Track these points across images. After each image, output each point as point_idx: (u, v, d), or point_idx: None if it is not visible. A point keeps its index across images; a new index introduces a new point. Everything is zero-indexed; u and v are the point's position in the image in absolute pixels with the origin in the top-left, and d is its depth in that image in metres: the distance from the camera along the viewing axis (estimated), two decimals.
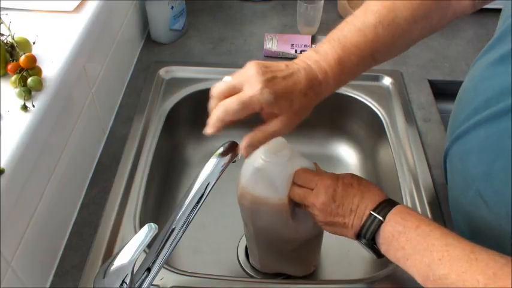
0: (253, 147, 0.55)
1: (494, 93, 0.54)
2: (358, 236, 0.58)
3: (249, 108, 0.51)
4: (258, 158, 0.63)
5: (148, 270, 0.53)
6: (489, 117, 0.54)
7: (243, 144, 0.55)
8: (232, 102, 0.51)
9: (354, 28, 0.58)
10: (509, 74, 0.52)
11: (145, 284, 0.53)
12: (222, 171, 0.56)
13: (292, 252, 0.71)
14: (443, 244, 0.49)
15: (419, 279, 0.51)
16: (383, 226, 0.55)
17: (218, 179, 0.56)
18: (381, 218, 0.55)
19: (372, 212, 0.56)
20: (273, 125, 0.54)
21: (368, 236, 0.56)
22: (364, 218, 0.57)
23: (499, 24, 0.59)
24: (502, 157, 0.52)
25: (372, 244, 0.57)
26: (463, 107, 0.62)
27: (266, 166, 0.63)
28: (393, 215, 0.55)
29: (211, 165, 0.57)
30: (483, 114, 0.55)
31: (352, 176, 0.61)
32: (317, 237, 0.72)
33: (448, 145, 0.64)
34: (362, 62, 0.58)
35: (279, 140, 0.62)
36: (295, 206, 0.64)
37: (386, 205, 0.56)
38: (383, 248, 0.55)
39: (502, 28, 0.57)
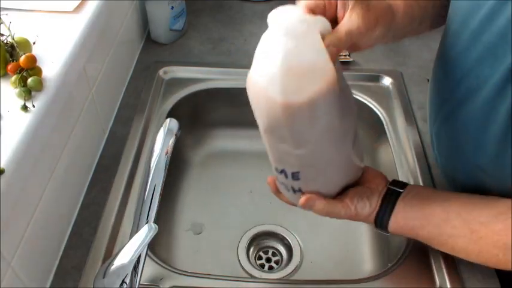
0: None
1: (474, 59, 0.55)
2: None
3: None
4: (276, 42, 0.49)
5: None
6: (471, 91, 0.56)
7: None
8: None
9: None
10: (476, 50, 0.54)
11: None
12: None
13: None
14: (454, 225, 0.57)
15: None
16: (391, 223, 0.61)
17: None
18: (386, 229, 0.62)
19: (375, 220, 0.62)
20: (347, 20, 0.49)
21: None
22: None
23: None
24: (493, 122, 0.54)
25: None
26: (440, 89, 0.64)
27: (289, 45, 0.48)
28: (395, 220, 0.61)
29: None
30: (462, 90, 0.57)
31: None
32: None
33: (437, 129, 0.67)
34: None
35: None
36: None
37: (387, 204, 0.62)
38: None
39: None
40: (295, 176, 0.57)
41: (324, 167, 0.58)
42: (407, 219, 0.61)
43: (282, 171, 0.58)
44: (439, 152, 0.70)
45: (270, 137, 0.55)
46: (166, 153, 0.61)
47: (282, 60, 0.48)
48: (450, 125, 0.63)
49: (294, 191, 0.61)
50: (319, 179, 0.59)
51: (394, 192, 0.62)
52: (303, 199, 0.60)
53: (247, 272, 0.81)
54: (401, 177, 0.80)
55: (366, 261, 0.83)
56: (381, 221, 0.61)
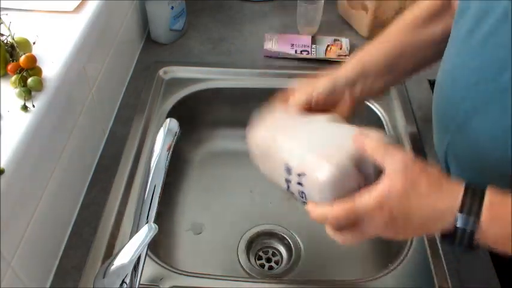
0: None
1: (485, 71, 0.54)
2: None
3: None
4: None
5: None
6: (491, 95, 0.54)
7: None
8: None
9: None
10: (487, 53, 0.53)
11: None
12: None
13: None
14: None
15: None
16: (479, 233, 0.47)
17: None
18: (472, 230, 0.47)
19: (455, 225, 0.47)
20: None
21: (465, 242, 0.48)
22: (448, 225, 0.48)
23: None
24: None
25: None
26: (448, 97, 0.62)
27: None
28: (489, 215, 0.47)
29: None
30: (477, 94, 0.55)
31: (404, 174, 0.49)
32: None
33: (450, 139, 0.63)
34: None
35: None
36: None
37: (472, 201, 0.47)
38: (491, 244, 0.48)
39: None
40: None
41: None
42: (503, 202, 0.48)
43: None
44: (456, 163, 0.64)
45: None
46: (168, 150, 0.61)
47: None
48: (469, 131, 0.58)
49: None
50: None
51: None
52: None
53: (247, 272, 0.81)
54: None
55: (366, 261, 0.83)
56: (470, 206, 0.47)
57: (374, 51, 0.69)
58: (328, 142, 0.54)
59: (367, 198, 0.49)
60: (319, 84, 0.66)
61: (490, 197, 0.47)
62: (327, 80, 0.66)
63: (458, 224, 0.47)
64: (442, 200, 0.48)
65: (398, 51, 0.69)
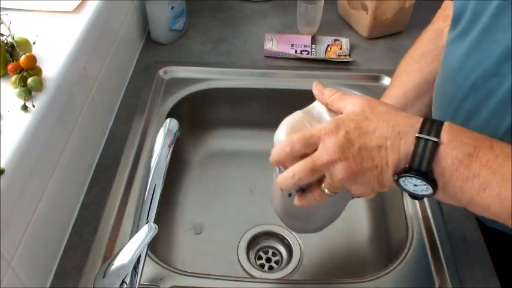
0: None
1: (480, 73, 0.55)
2: (400, 174, 0.46)
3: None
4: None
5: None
6: (487, 95, 0.55)
7: None
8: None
9: None
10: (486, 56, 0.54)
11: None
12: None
13: None
14: None
15: (501, 212, 0.44)
16: (441, 150, 0.44)
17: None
18: (435, 140, 0.44)
19: (419, 135, 0.45)
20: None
21: (424, 168, 0.44)
22: (407, 147, 0.45)
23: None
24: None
25: (428, 176, 0.45)
26: (450, 97, 0.62)
27: None
28: (450, 134, 0.45)
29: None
30: (478, 95, 0.56)
31: (363, 105, 0.48)
32: None
33: None
34: None
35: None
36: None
37: (432, 123, 0.45)
38: (442, 180, 0.45)
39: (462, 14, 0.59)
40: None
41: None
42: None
43: None
44: None
45: None
46: (168, 149, 0.61)
47: None
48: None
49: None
50: None
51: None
52: None
53: (247, 272, 0.81)
54: None
55: (366, 261, 0.83)
56: (430, 126, 0.45)
57: (399, 88, 0.74)
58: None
59: (324, 123, 0.48)
60: None
61: (449, 123, 0.46)
62: None
63: (419, 144, 0.44)
64: (401, 117, 0.47)
65: (417, 88, 0.73)
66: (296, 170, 0.49)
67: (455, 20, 0.61)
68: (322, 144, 0.47)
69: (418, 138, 0.45)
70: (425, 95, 0.72)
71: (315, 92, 0.53)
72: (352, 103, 0.49)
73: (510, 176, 0.42)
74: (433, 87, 0.69)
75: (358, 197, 0.52)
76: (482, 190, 0.43)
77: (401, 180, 0.47)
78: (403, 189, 0.48)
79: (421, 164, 0.45)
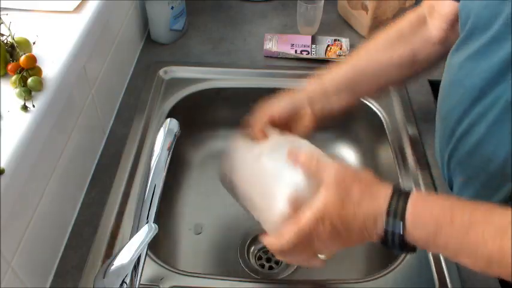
0: None
1: (486, 81, 0.56)
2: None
3: None
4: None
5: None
6: (492, 103, 0.55)
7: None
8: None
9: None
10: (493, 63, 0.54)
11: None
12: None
13: None
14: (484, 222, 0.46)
15: (482, 269, 0.47)
16: (408, 233, 0.48)
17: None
18: (399, 232, 0.49)
19: (386, 227, 0.49)
20: None
21: (397, 246, 0.50)
22: (380, 231, 0.50)
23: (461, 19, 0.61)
24: None
25: (405, 248, 0.50)
26: (455, 104, 0.62)
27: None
28: (414, 216, 0.48)
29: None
30: (484, 103, 0.56)
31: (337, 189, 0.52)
32: None
33: (452, 147, 0.64)
34: None
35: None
36: None
37: (396, 205, 0.49)
38: (419, 246, 0.50)
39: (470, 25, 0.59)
40: None
41: None
42: (427, 204, 0.50)
43: None
44: (459, 169, 0.65)
45: None
46: (168, 149, 0.61)
47: None
48: (471, 137, 0.60)
49: None
50: None
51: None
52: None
53: (247, 272, 0.81)
54: (402, 178, 0.80)
55: (366, 261, 0.83)
56: (395, 209, 0.49)
57: (336, 71, 0.73)
58: (271, 182, 0.60)
59: (309, 214, 0.52)
60: (280, 103, 0.71)
61: (414, 199, 0.49)
62: (288, 100, 0.71)
63: (388, 227, 0.49)
64: (372, 206, 0.50)
65: (359, 72, 0.73)
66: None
67: (464, 24, 0.60)
68: (317, 235, 0.53)
69: (385, 229, 0.49)
70: (382, 78, 0.74)
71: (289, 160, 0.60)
72: (325, 174, 0.54)
73: (475, 244, 0.46)
74: (395, 71, 0.72)
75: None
76: (455, 256, 0.48)
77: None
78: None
79: (394, 245, 0.50)
